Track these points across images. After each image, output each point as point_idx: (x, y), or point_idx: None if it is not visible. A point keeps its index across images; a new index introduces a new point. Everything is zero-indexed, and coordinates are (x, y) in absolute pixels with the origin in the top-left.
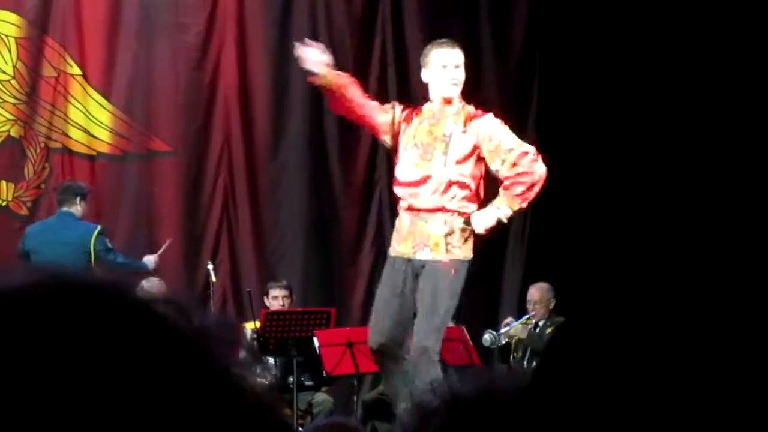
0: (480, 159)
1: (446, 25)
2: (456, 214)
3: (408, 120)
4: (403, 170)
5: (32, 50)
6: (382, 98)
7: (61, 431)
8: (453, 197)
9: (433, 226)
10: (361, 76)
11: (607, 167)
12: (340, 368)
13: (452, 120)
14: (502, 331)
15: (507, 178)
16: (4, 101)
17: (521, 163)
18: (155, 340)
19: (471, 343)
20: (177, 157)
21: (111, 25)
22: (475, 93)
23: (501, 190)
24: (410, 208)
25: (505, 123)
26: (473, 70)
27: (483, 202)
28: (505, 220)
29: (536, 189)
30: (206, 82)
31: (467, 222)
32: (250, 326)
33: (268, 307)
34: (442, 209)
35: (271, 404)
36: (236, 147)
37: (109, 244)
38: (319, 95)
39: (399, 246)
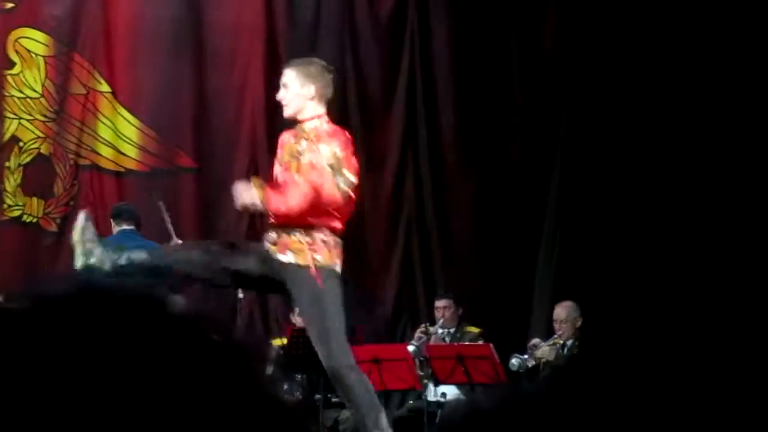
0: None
1: (474, 43)
2: None
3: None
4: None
5: (60, 68)
6: (410, 117)
7: None
8: None
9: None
10: (389, 93)
11: (636, 186)
12: None
13: (304, 137)
14: (529, 353)
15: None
16: (34, 119)
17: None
18: (198, 355)
19: (498, 360)
20: (204, 173)
21: (139, 43)
22: (501, 105)
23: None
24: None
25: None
26: (500, 77)
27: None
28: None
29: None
30: (233, 100)
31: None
32: (277, 342)
33: (293, 324)
34: None
35: (305, 421)
36: (263, 163)
37: None
38: (345, 110)
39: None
